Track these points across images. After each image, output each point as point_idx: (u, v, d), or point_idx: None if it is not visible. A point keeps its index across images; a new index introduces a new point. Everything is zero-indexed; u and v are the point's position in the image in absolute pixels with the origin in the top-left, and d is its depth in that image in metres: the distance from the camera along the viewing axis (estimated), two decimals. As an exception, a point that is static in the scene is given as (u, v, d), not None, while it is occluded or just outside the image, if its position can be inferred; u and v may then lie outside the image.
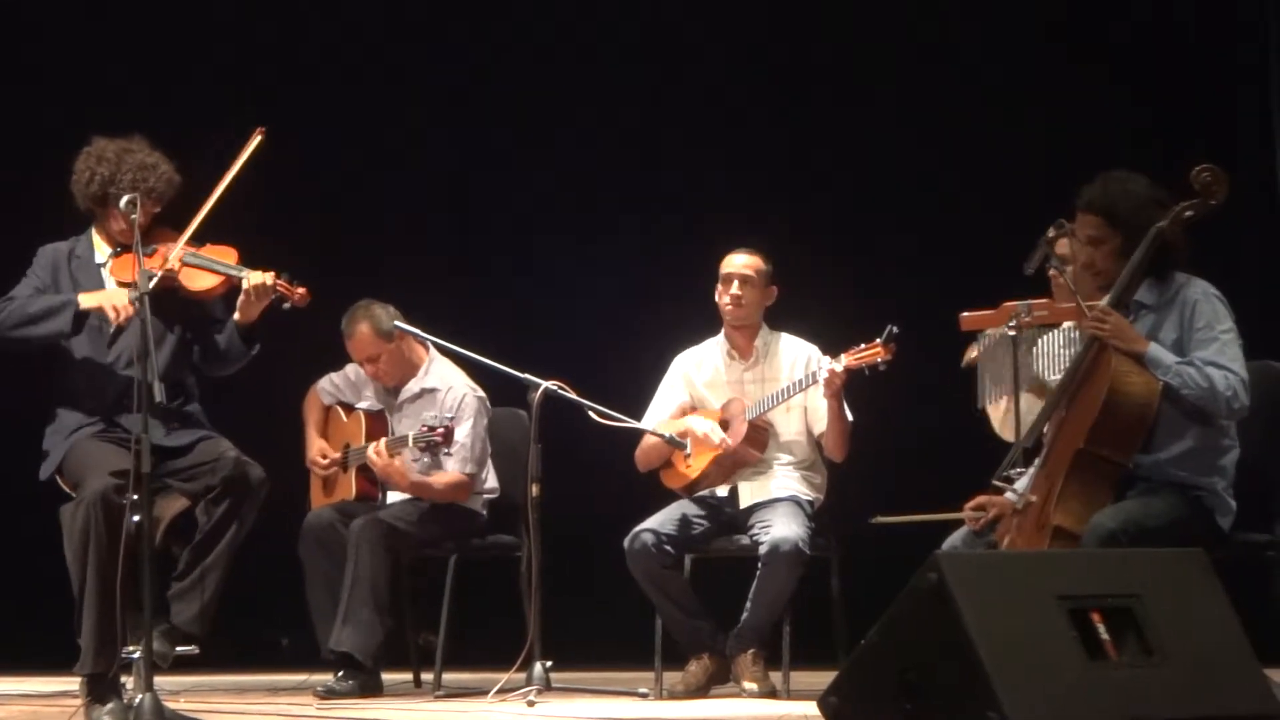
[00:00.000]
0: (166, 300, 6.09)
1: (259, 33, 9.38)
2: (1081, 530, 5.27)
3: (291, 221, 8.91)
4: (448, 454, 7.24)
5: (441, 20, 9.48)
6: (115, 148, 6.25)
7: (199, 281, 6.22)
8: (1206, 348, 5.41)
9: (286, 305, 6.27)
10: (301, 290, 6.27)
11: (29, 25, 9.26)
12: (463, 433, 7.32)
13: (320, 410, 7.72)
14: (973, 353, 6.43)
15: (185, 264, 6.19)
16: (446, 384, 7.47)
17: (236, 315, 6.22)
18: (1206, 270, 5.60)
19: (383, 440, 7.35)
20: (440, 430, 7.09)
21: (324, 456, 7.62)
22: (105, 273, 6.26)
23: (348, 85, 9.45)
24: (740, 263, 7.08)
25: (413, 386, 7.54)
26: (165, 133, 6.51)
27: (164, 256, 6.14)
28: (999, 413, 6.42)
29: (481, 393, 7.46)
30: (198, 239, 6.25)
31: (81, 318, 6.08)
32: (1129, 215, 5.47)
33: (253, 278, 6.18)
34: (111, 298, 6.03)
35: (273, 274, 6.20)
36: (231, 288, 6.23)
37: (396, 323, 7.32)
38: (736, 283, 7.07)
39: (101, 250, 6.30)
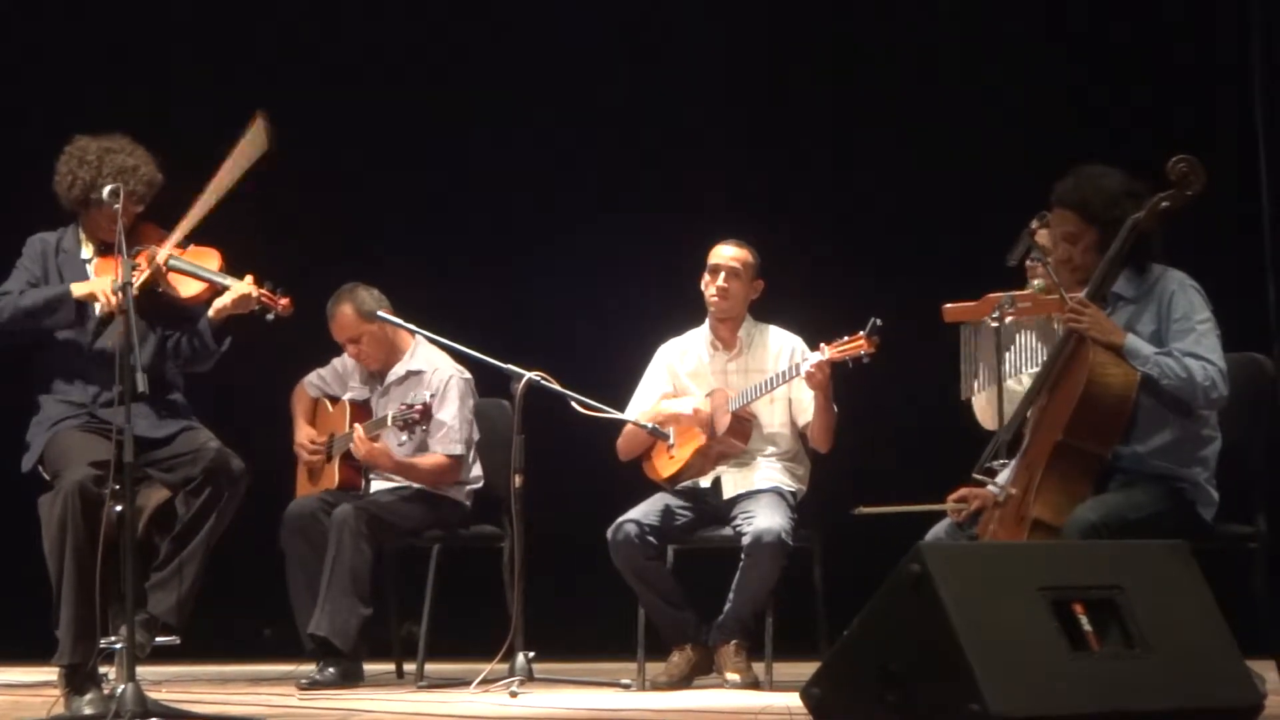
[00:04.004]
0: (150, 301, 6.07)
1: (257, 27, 9.39)
2: (1060, 523, 5.28)
3: (278, 215, 8.91)
4: (424, 431, 7.26)
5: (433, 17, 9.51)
6: (97, 148, 6.18)
7: (184, 288, 6.18)
8: (1184, 338, 5.42)
9: (270, 316, 6.21)
10: (285, 300, 6.22)
11: (26, 15, 9.26)
12: (449, 414, 7.35)
13: (308, 402, 7.74)
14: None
15: (170, 268, 6.15)
16: (432, 366, 7.50)
17: (210, 313, 6.19)
18: (1186, 262, 5.61)
19: (359, 426, 7.36)
20: (418, 408, 7.10)
21: (311, 441, 7.62)
22: (90, 269, 6.23)
23: (340, 82, 9.44)
24: (728, 254, 7.08)
25: (398, 370, 7.56)
26: (161, 128, 6.49)
27: (149, 258, 6.10)
28: (981, 403, 6.43)
29: (467, 374, 7.47)
30: (183, 239, 6.21)
31: (81, 306, 6.07)
32: (1103, 210, 5.47)
33: (235, 288, 6.14)
34: (104, 285, 6.00)
35: (252, 279, 6.16)
36: (215, 293, 6.19)
37: (379, 312, 7.34)
38: (724, 274, 7.06)
39: (87, 247, 6.28)
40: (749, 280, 7.09)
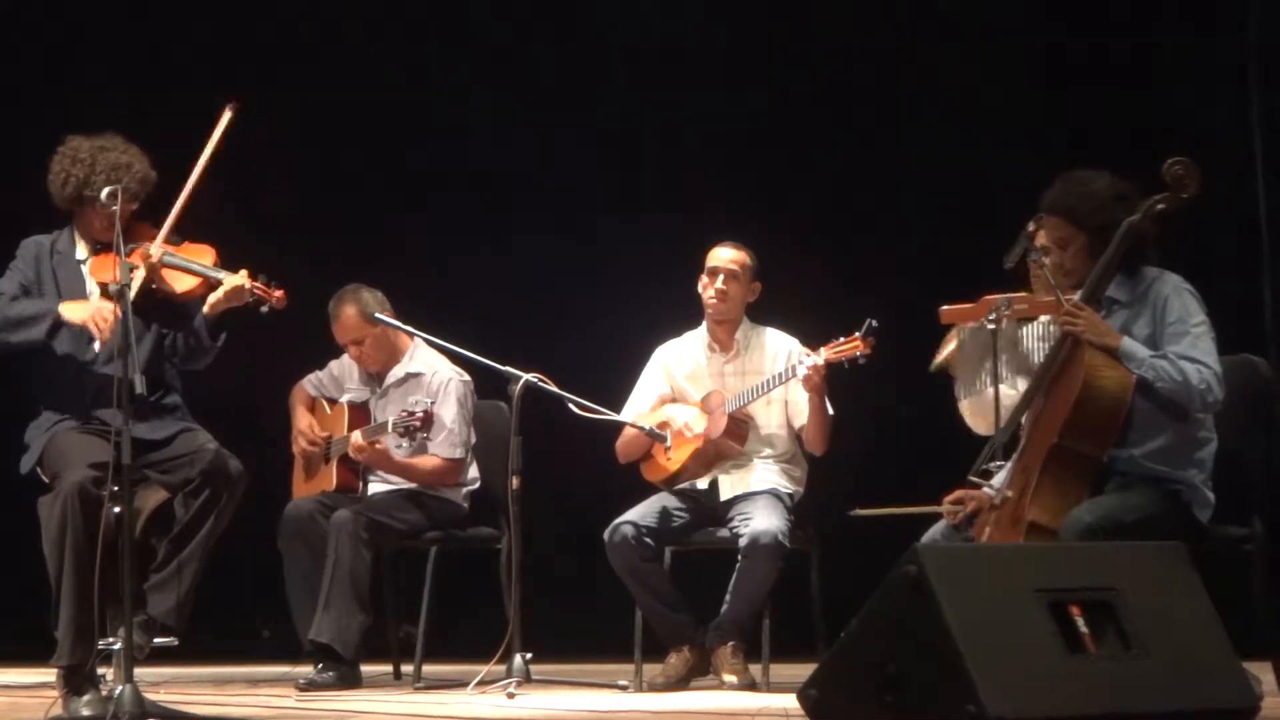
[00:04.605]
0: (146, 300, 6.07)
1: (257, 27, 9.39)
2: (1056, 525, 5.29)
3: (272, 215, 8.93)
4: (426, 438, 7.26)
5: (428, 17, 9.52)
6: (90, 147, 6.19)
7: (178, 284, 6.19)
8: (1179, 341, 5.42)
9: (265, 309, 6.21)
10: (279, 293, 6.22)
11: (11, 15, 9.26)
12: (448, 416, 7.35)
13: (307, 398, 7.74)
14: (942, 353, 6.43)
15: (164, 264, 6.16)
16: (431, 368, 7.50)
17: (205, 308, 6.19)
18: (1183, 266, 5.62)
19: (357, 431, 7.35)
20: (419, 415, 7.10)
21: (311, 430, 7.61)
22: (85, 270, 6.24)
23: (340, 82, 9.44)
24: (726, 257, 7.08)
25: (397, 372, 7.57)
26: (160, 129, 6.49)
27: (143, 254, 6.11)
28: (974, 407, 6.42)
29: (466, 377, 7.48)
30: (177, 235, 6.21)
31: (58, 328, 6.05)
32: (1090, 214, 5.49)
33: (229, 281, 6.14)
34: (95, 313, 5.97)
35: (246, 274, 6.18)
36: (210, 288, 6.20)
37: (378, 315, 7.34)
38: (723, 277, 7.07)
39: (82, 247, 6.28)
40: (747, 282, 7.10)
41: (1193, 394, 5.37)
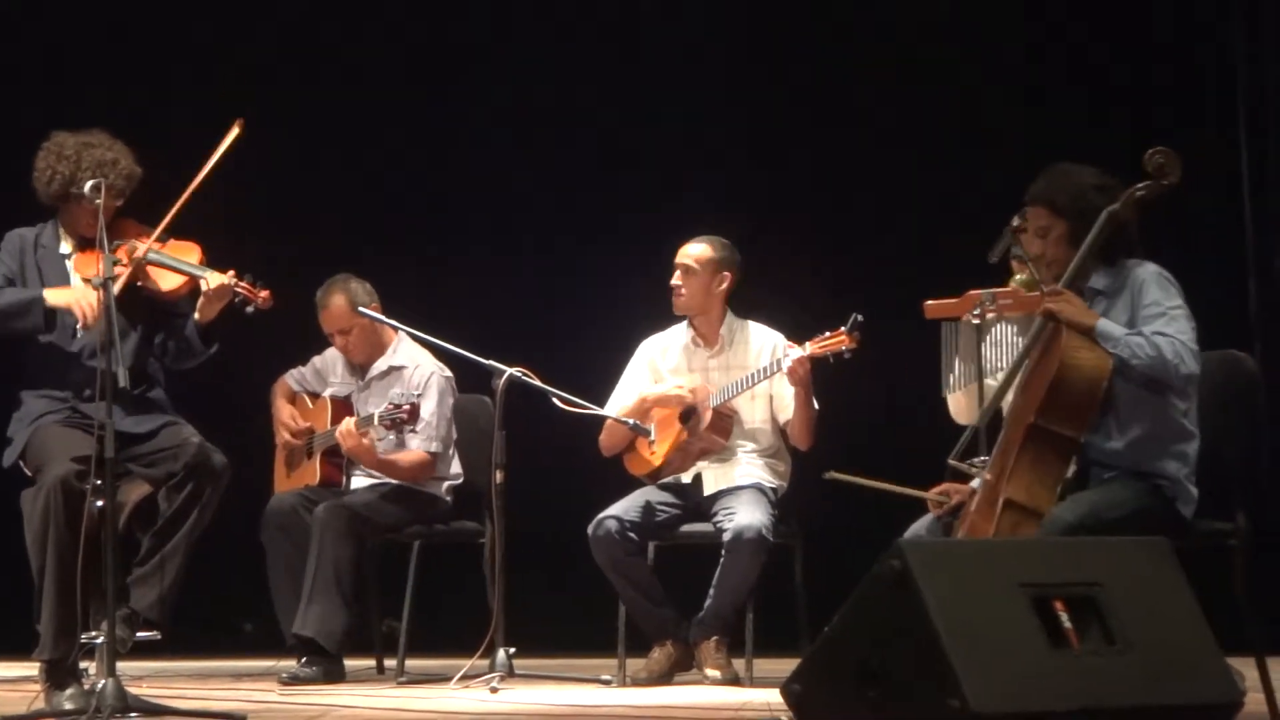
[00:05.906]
0: (131, 296, 6.06)
1: (256, 27, 9.37)
2: (1032, 505, 5.28)
3: (268, 214, 8.92)
4: (413, 432, 7.26)
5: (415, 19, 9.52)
6: (75, 143, 6.18)
7: (164, 282, 6.18)
8: (1154, 321, 5.43)
9: (250, 309, 6.20)
10: (265, 293, 6.21)
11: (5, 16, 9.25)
12: (428, 410, 7.34)
13: (289, 392, 7.73)
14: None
15: (149, 262, 6.15)
16: (414, 362, 7.51)
17: (196, 315, 6.19)
18: (1169, 259, 5.62)
19: (350, 419, 7.34)
20: (406, 408, 7.11)
21: (293, 420, 7.60)
22: (69, 265, 6.22)
23: (334, 81, 9.42)
24: (684, 251, 7.10)
25: (380, 365, 7.57)
26: (159, 129, 6.47)
27: (129, 252, 6.10)
28: (959, 401, 6.42)
29: (448, 372, 7.48)
30: (163, 233, 6.20)
31: (52, 314, 6.05)
32: (1071, 202, 5.52)
33: (212, 279, 6.13)
34: (80, 297, 5.97)
35: (233, 273, 6.17)
36: (195, 286, 6.19)
37: (361, 308, 7.34)
38: (679, 272, 7.09)
39: (66, 242, 6.27)
40: (709, 275, 7.08)
41: (1169, 368, 5.35)
